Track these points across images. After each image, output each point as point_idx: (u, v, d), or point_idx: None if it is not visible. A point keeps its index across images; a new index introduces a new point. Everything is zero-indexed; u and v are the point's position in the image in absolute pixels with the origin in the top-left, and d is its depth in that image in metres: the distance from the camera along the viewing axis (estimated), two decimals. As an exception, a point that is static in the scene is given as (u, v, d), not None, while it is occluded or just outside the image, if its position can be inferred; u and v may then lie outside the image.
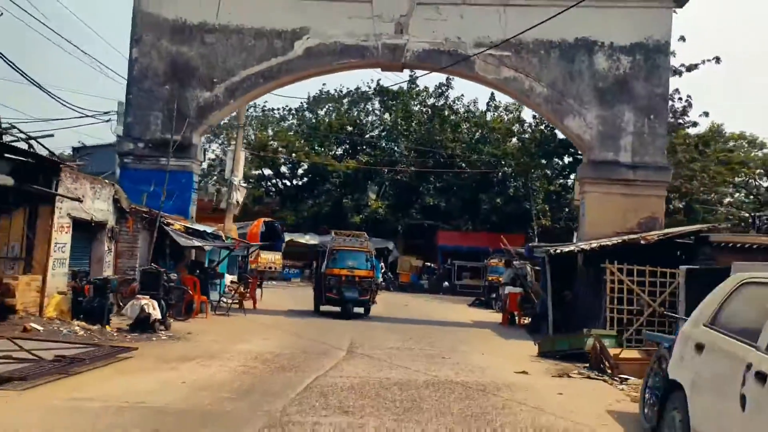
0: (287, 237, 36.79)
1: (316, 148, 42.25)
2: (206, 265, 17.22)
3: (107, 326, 11.41)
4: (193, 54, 16.91)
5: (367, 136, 42.70)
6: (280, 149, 40.94)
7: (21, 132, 12.17)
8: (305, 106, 43.86)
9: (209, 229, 16.52)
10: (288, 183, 44.47)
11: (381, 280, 24.11)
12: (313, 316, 17.04)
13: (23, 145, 11.38)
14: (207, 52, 16.90)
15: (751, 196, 46.59)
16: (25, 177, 10.75)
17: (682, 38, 28.83)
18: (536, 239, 30.12)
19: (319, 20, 16.73)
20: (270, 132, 43.35)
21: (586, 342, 10.75)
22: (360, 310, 17.52)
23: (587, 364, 10.32)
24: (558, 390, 8.32)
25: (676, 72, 28.48)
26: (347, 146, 43.13)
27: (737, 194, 47.20)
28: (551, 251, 15.02)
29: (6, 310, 10.37)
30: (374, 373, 8.86)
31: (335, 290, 17.02)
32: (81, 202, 12.10)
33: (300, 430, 5.75)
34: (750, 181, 45.76)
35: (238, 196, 20.94)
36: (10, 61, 12.99)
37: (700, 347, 5.05)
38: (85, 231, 13.09)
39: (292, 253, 36.92)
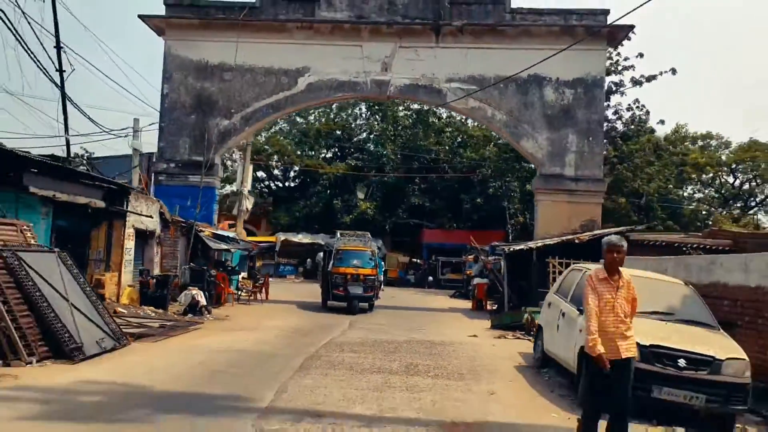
0: (282, 236, 41.31)
1: (307, 151, 46.74)
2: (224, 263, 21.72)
3: (168, 310, 15.92)
4: (214, 89, 21.38)
5: (355, 140, 47.23)
6: (273, 154, 45.34)
7: (88, 161, 16.62)
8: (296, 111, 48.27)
9: (231, 234, 21.04)
10: (280, 185, 48.92)
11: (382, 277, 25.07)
12: (321, 310, 21.06)
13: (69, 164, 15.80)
14: (226, 87, 21.38)
15: (719, 193, 51.97)
16: (109, 199, 15.19)
17: (641, 54, 33.64)
18: (511, 236, 34.88)
19: (318, 61, 21.25)
20: (263, 137, 47.74)
21: (523, 316, 15.43)
22: (365, 305, 19.24)
23: (523, 332, 14.97)
24: (493, 344, 13.00)
25: (637, 83, 33.26)
26: (336, 150, 47.62)
27: (707, 190, 52.62)
28: (506, 249, 19.71)
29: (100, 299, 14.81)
30: (370, 336, 13.46)
31: (341, 287, 18.80)
32: (151, 217, 16.60)
33: (328, 359, 10.31)
34: (716, 179, 51.14)
35: (247, 204, 25.42)
36: (65, 92, 17.38)
37: (549, 305, 9.73)
38: (141, 238, 17.55)
39: (286, 252, 41.45)
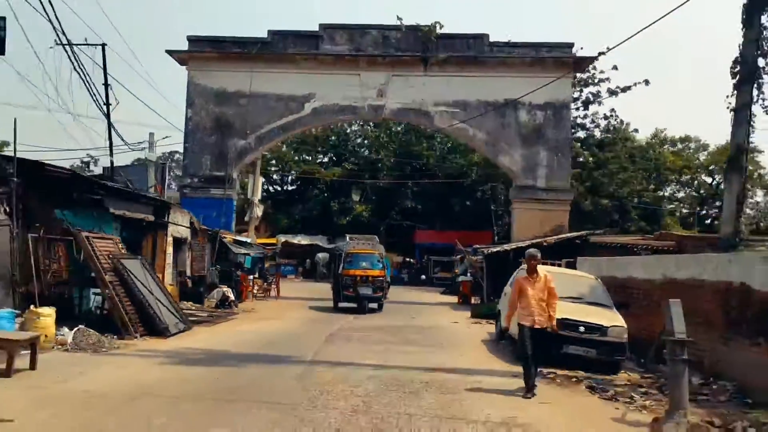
0: (282, 238, 45.34)
1: (304, 156, 50.74)
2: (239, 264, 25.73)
3: (203, 305, 19.96)
4: (231, 113, 25.39)
5: (350, 146, 51.26)
6: (272, 159, 49.32)
7: (130, 182, 20.59)
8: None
9: (248, 240, 25.07)
10: (279, 189, 52.93)
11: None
12: (329, 303, 24.19)
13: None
14: (242, 111, 25.38)
15: (697, 192, 56.56)
16: (155, 213, 19.17)
17: (615, 67, 37.75)
18: (497, 237, 38.97)
19: (322, 88, 25.28)
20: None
21: (496, 307, 19.51)
22: (374, 305, 21.06)
23: (495, 319, 19.04)
24: (468, 327, 17.14)
25: (613, 93, 37.37)
26: (332, 155, 51.65)
27: (687, 191, 57.22)
28: (485, 251, 23.84)
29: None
30: (373, 322, 17.55)
31: (351, 288, 20.66)
32: (184, 226, 20.60)
33: (344, 336, 14.35)
34: (695, 180, 55.69)
35: (258, 212, 29.45)
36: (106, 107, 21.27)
37: (504, 294, 13.85)
38: (176, 244, 21.53)
39: (286, 252, 45.49)
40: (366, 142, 51.43)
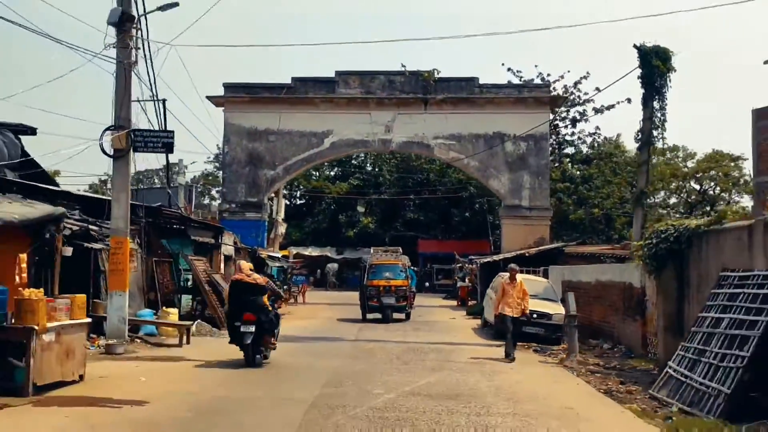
0: (294, 250, 51.90)
1: (313, 171, 57.34)
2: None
3: (251, 309, 26.44)
4: (262, 148, 31.98)
5: (354, 161, 57.83)
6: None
7: (179, 210, 27.12)
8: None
9: (278, 254, 31.66)
10: (288, 203, 59.54)
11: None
12: (351, 306, 31.28)
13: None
14: (271, 146, 31.97)
15: (685, 200, 63.41)
16: (214, 237, 25.70)
17: (597, 89, 44.25)
18: (493, 246, 45.48)
19: (338, 125, 31.86)
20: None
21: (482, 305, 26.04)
22: (401, 315, 23.18)
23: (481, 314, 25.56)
24: (463, 322, 23.75)
25: (598, 111, 43.91)
26: (339, 170, 58.23)
27: (676, 198, 64.04)
28: (479, 261, 30.43)
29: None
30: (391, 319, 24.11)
31: (376, 299, 22.66)
32: (230, 246, 27.15)
33: (371, 326, 20.93)
34: (684, 187, 62.57)
35: (281, 229, 36.02)
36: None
37: (487, 295, 20.46)
38: (225, 260, 28.04)
39: (298, 263, 52.00)
40: (370, 158, 57.97)
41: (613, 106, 43.65)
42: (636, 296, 15.74)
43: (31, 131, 20.73)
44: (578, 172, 45.13)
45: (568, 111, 43.66)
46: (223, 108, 32.22)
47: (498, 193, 32.51)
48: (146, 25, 14.98)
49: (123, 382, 10.40)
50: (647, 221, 19.33)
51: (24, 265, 10.03)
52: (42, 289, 9.53)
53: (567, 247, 29.59)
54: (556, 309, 17.99)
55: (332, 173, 58.70)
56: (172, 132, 15.48)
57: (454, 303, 34.74)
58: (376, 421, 8.09)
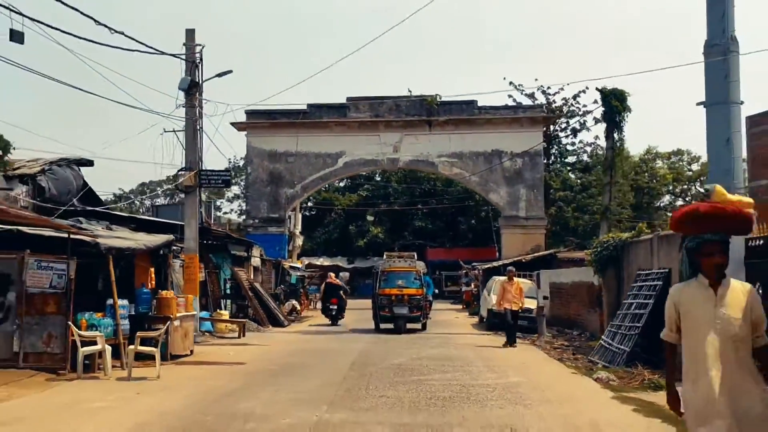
0: (306, 260, 57.67)
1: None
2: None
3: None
4: (282, 168, 37.77)
5: (363, 173, 63.58)
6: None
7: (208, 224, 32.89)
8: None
9: (298, 265, 37.44)
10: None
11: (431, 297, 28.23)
12: (367, 310, 37.06)
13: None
14: (289, 167, 37.74)
15: (689, 202, 68.99)
16: (246, 250, 31.43)
17: (596, 101, 49.52)
18: (498, 252, 51.03)
19: (351, 146, 37.61)
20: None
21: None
22: (417, 325, 23.44)
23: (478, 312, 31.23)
24: (465, 320, 29.47)
25: (598, 121, 49.41)
26: (348, 182, 64.01)
27: (686, 200, 69.55)
28: (481, 268, 36.10)
29: (245, 307, 31.20)
30: (400, 319, 29.84)
31: (387, 308, 22.69)
32: (257, 257, 32.95)
33: (387, 325, 26.62)
34: (690, 189, 67.99)
35: (299, 242, 41.79)
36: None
37: (483, 296, 26.15)
38: (254, 271, 33.76)
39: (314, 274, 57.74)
40: (378, 170, 63.71)
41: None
42: (595, 292, 21.35)
43: (89, 163, 26.59)
44: (578, 181, 50.75)
45: (568, 122, 49.27)
46: (245, 132, 38.03)
47: (497, 205, 38.21)
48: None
49: (219, 355, 16.15)
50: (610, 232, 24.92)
51: (152, 275, 15.78)
52: (171, 291, 15.31)
53: (559, 252, 35.14)
54: (533, 304, 23.61)
55: (342, 184, 64.43)
56: (230, 171, 21.21)
57: (460, 307, 40.37)
58: (394, 369, 13.78)
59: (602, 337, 16.60)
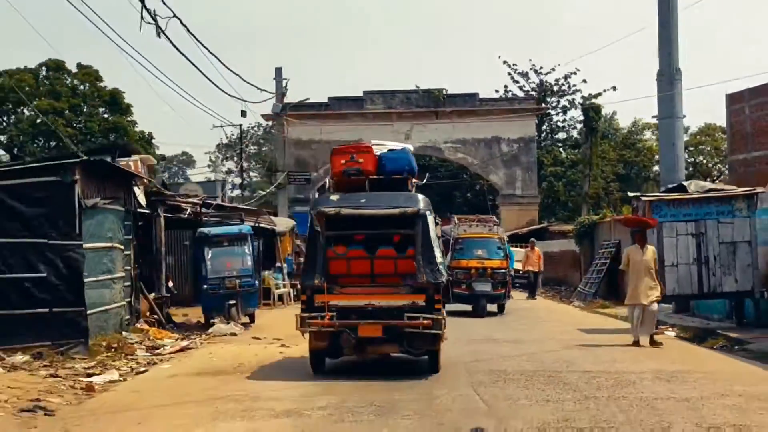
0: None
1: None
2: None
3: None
4: (306, 155, 50.43)
5: (359, 147, 76.28)
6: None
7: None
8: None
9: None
10: (294, 189, 77.99)
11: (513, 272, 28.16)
12: None
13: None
14: (313, 153, 50.39)
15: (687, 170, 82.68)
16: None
17: (584, 80, 62.73)
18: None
19: (367, 134, 50.16)
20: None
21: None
22: (493, 307, 22.21)
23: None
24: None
25: (587, 99, 62.69)
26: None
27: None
28: (483, 240, 49.34)
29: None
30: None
31: (464, 285, 21.11)
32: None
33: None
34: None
35: (316, 219, 54.74)
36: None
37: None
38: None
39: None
40: (372, 142, 76.41)
41: (600, 94, 61.89)
42: (577, 258, 34.63)
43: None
44: (568, 158, 63.99)
45: (558, 101, 62.22)
46: (272, 122, 50.50)
47: (496, 185, 51.35)
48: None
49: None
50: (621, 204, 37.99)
51: (289, 247, 28.63)
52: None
53: (551, 226, 48.51)
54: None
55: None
56: (309, 173, 34.07)
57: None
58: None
59: (579, 286, 29.92)
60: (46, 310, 13.80)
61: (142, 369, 12.79)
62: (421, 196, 12.98)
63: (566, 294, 32.76)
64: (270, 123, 51.25)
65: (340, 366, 12.54)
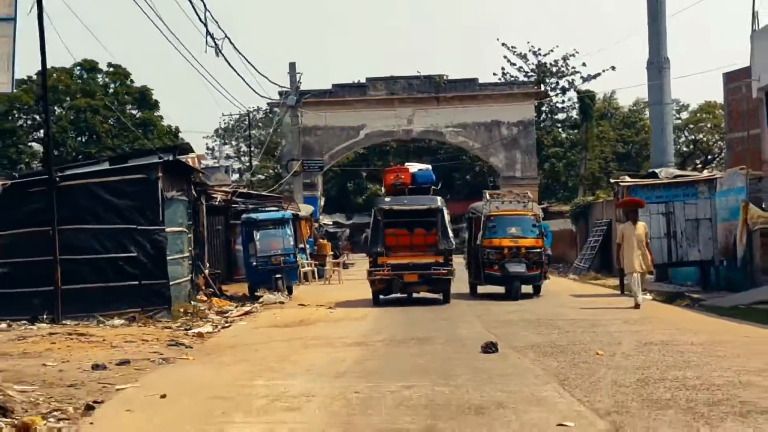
0: (308, 219, 75.05)
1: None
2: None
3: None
4: (312, 140, 54.91)
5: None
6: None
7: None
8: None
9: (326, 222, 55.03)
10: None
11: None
12: None
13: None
14: (318, 139, 54.88)
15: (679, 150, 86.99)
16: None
17: (584, 64, 67.29)
18: (494, 207, 69.05)
19: (370, 120, 54.85)
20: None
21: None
22: (528, 288, 22.29)
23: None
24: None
25: (586, 80, 67.18)
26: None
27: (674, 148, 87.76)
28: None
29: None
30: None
31: (497, 266, 21.42)
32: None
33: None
34: (678, 138, 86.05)
35: (321, 202, 59.26)
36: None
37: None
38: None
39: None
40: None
41: (599, 74, 66.47)
42: (573, 236, 39.25)
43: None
44: (567, 139, 68.57)
45: (557, 82, 66.69)
46: (278, 109, 54.92)
47: (497, 168, 55.92)
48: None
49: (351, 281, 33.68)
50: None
51: (308, 230, 33.21)
52: (326, 240, 32.93)
53: (550, 206, 53.07)
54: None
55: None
56: (323, 161, 38.67)
57: (459, 258, 58.11)
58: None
59: (575, 261, 34.56)
60: (137, 282, 18.40)
61: (226, 325, 17.35)
62: (439, 198, 22.74)
63: (564, 270, 37.37)
64: (273, 108, 55.68)
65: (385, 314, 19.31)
